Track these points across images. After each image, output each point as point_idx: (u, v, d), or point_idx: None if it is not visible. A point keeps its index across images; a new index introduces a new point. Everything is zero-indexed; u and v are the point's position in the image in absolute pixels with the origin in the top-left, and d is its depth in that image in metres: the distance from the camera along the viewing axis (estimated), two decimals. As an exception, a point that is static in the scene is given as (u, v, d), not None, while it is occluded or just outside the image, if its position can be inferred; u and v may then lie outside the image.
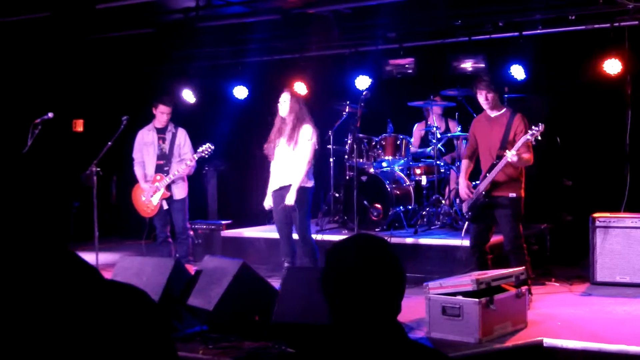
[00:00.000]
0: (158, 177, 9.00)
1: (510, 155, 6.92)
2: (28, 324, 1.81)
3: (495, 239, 7.64)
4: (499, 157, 7.08)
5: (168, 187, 8.98)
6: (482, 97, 7.32)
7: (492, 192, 7.23)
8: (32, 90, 11.65)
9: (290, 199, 7.76)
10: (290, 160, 7.89)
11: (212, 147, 8.93)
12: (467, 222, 8.09)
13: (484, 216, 7.35)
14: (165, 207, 9.04)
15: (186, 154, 9.12)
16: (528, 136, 6.94)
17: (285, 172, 7.92)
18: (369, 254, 2.17)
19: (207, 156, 9.06)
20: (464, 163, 7.66)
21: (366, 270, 2.14)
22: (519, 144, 6.97)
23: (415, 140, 10.74)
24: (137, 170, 9.15)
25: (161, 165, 9.06)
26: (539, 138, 7.01)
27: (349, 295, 2.13)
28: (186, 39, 10.99)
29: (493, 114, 7.37)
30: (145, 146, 9.13)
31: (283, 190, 7.92)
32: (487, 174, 7.22)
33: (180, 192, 9.07)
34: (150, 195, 9.00)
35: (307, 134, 7.87)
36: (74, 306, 1.84)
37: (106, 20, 10.17)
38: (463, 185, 7.51)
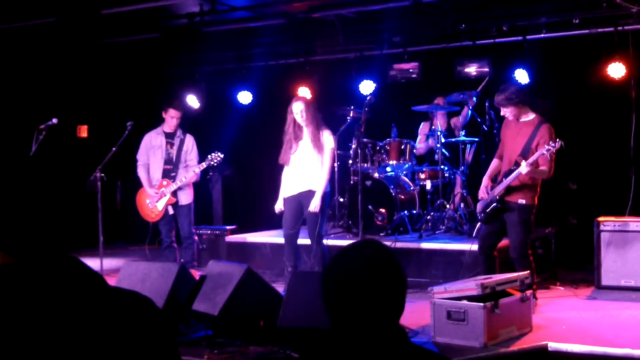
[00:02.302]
0: (165, 183, 8.98)
1: (523, 166, 6.88)
2: (30, 331, 1.82)
3: (503, 242, 7.62)
4: (517, 164, 7.05)
5: (174, 193, 8.97)
6: (503, 112, 7.33)
7: (505, 196, 7.21)
8: (37, 95, 11.67)
9: (315, 205, 7.89)
10: (311, 167, 7.95)
11: (222, 156, 8.90)
12: (478, 224, 8.07)
13: (496, 219, 7.33)
14: (171, 212, 9.03)
15: (191, 161, 9.11)
16: (544, 151, 6.86)
17: (306, 178, 7.98)
18: (370, 261, 2.18)
19: (215, 164, 9.05)
20: (493, 162, 7.62)
21: (367, 277, 2.15)
22: (534, 157, 6.90)
23: (420, 140, 10.72)
24: (141, 173, 9.11)
25: (168, 170, 9.04)
26: (554, 154, 6.98)
27: (349, 301, 2.14)
28: (191, 44, 11.01)
29: (522, 119, 7.33)
30: (153, 149, 9.10)
31: (302, 196, 7.98)
32: (504, 179, 7.20)
33: (186, 197, 9.06)
34: (155, 201, 8.99)
35: (330, 142, 8.03)
36: (77, 313, 1.85)
37: (111, 26, 10.20)
38: (483, 184, 7.49)
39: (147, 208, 9.07)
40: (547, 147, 6.87)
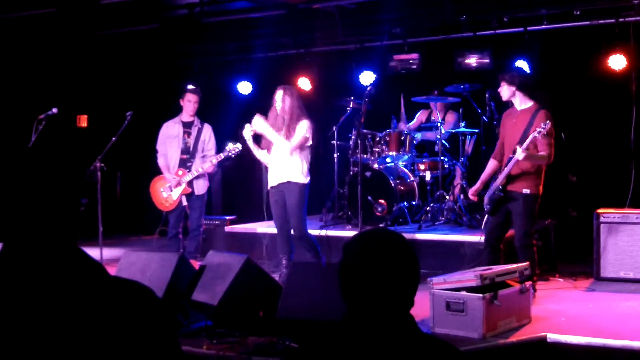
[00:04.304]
0: (180, 172, 8.92)
1: (519, 152, 6.88)
2: (32, 320, 1.82)
3: (508, 233, 7.61)
4: (515, 151, 7.05)
5: (189, 183, 8.91)
6: (500, 88, 7.40)
7: (508, 186, 7.21)
8: (37, 85, 11.66)
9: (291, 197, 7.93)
10: (285, 158, 7.91)
11: (240, 148, 8.81)
12: (486, 216, 8.06)
13: (501, 210, 7.32)
14: (185, 203, 8.98)
15: (209, 151, 9.04)
16: (535, 134, 6.90)
17: (282, 170, 7.95)
18: (388, 248, 2.22)
19: (233, 156, 8.97)
20: (489, 163, 7.62)
21: (385, 263, 2.19)
22: (527, 141, 6.92)
23: (415, 123, 10.76)
24: (160, 162, 9.06)
25: (184, 159, 8.97)
26: (546, 135, 6.98)
27: (366, 287, 2.18)
28: (191, 35, 10.99)
29: (520, 107, 7.36)
30: (169, 139, 9.03)
31: (283, 187, 7.97)
32: (504, 168, 7.22)
33: (201, 187, 9.01)
34: (170, 190, 8.94)
35: (302, 129, 7.90)
36: (78, 302, 1.85)
37: (111, 16, 10.18)
38: (476, 185, 7.51)
39: (161, 197, 9.00)
40: (538, 129, 6.89)
